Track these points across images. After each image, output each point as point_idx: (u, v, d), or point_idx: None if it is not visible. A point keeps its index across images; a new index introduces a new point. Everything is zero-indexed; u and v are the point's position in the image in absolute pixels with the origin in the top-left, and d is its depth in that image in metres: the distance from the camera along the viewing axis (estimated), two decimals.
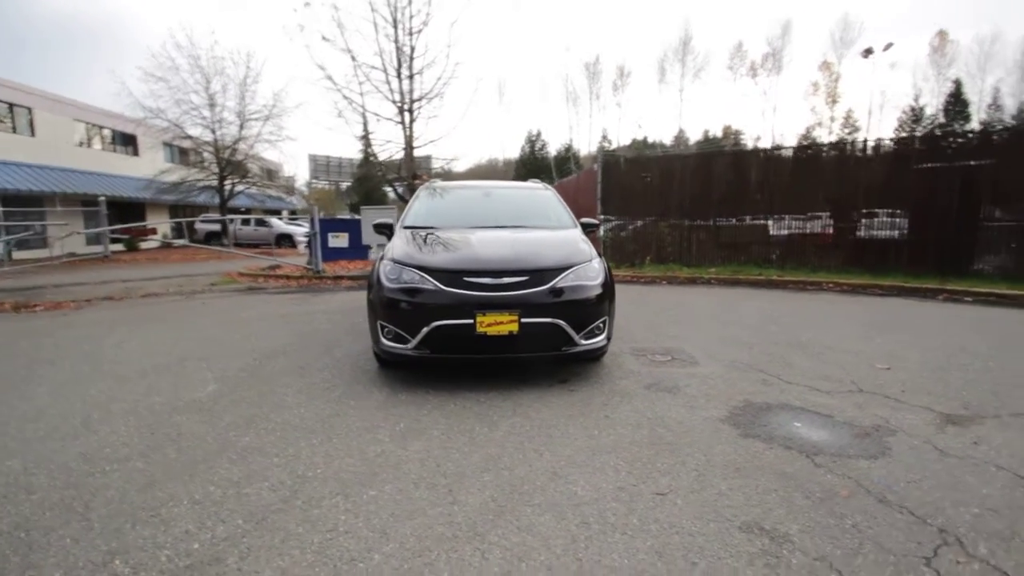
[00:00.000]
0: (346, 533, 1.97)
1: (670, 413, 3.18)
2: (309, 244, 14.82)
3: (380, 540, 1.92)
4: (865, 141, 10.93)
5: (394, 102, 13.41)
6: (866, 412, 3.18)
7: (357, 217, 18.85)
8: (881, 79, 60.27)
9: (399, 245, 4.02)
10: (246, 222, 21.61)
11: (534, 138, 46.81)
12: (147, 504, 2.19)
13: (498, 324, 3.45)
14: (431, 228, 4.39)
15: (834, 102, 43.85)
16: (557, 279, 3.62)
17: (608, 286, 3.85)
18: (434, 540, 1.92)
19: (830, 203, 11.37)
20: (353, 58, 13.18)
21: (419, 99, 13.67)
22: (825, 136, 42.36)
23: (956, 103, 39.23)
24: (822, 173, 11.35)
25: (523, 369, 3.99)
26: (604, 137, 50.24)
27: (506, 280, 3.54)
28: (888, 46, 26.10)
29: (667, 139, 52.04)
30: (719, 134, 52.74)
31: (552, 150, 46.35)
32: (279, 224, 22.78)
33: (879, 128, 41.38)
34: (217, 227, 20.25)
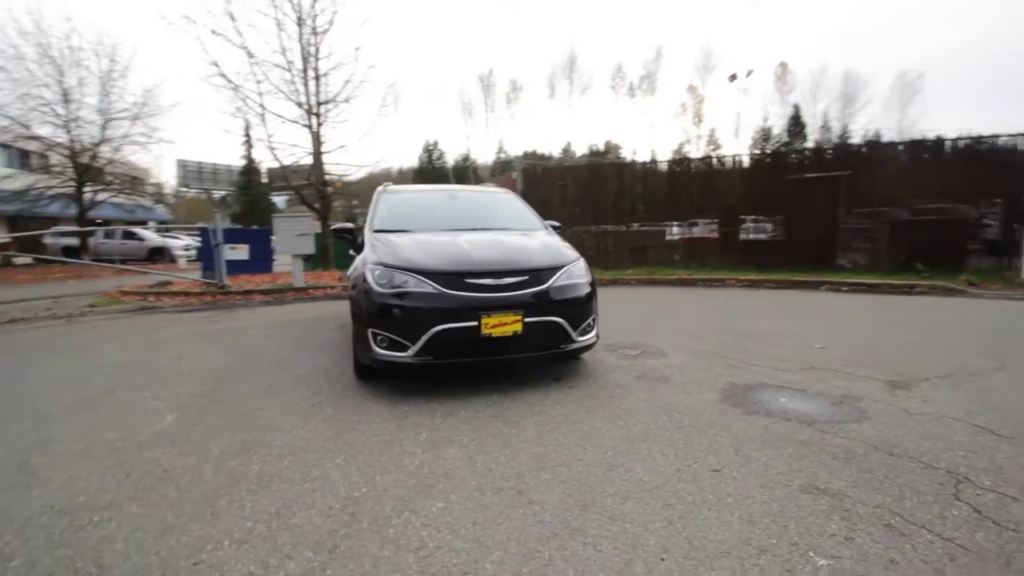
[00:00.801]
0: (440, 548, 1.84)
1: (673, 400, 3.37)
2: (200, 257, 13.34)
3: (481, 550, 1.82)
4: (752, 154, 12.39)
5: (299, 104, 12.61)
6: (829, 384, 3.63)
7: (259, 227, 17.29)
8: (738, 102, 68.77)
9: (382, 249, 3.81)
10: (110, 235, 18.76)
11: (431, 147, 46.44)
12: (178, 552, 1.86)
13: (503, 325, 3.41)
14: (405, 231, 4.21)
15: (700, 121, 49.04)
16: (553, 279, 3.67)
17: (593, 285, 3.98)
18: (536, 541, 1.87)
19: (718, 210, 12.80)
20: (250, 55, 12.20)
21: (326, 102, 12.99)
22: (694, 152, 47.07)
23: (796, 125, 45.92)
24: (713, 183, 12.70)
25: (508, 371, 3.96)
26: (500, 148, 51.40)
27: (507, 280, 3.52)
28: (750, 73, 30.20)
29: (557, 151, 54.45)
30: (602, 148, 56.35)
31: (450, 159, 46.37)
32: (152, 236, 20.12)
33: (738, 145, 47.05)
34: (73, 241, 17.37)
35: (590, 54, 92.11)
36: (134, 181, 21.07)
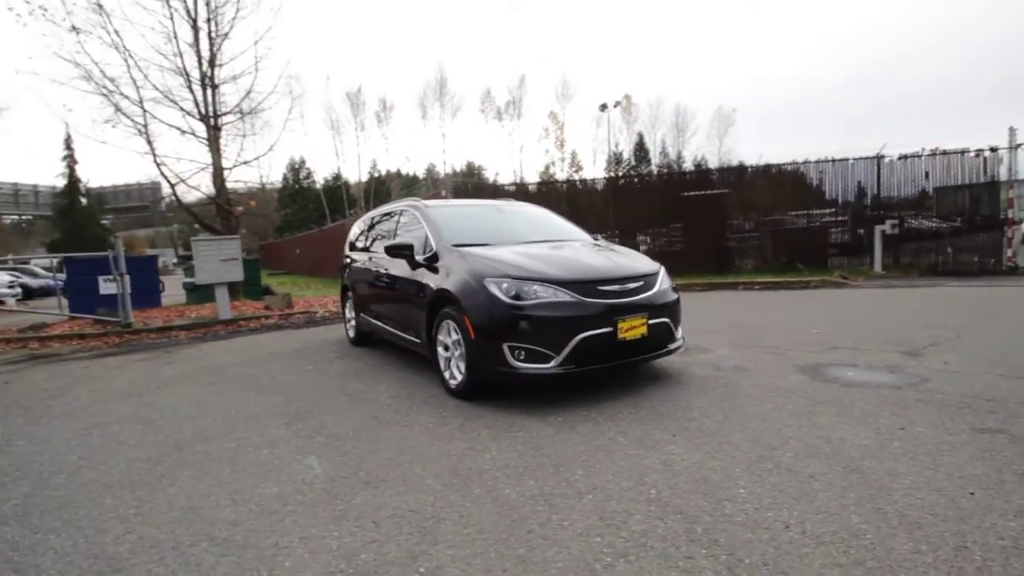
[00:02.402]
0: (804, 522, 1.98)
1: (777, 383, 3.82)
2: (68, 293, 10.96)
3: (836, 518, 2.00)
4: (660, 172, 13.98)
5: (199, 116, 11.15)
6: (865, 359, 4.39)
7: (148, 254, 14.88)
8: (592, 129, 75.74)
9: (491, 263, 3.70)
10: None
11: (298, 166, 43.26)
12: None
13: (633, 328, 3.58)
14: (487, 244, 4.13)
15: (561, 145, 52.91)
16: (658, 283, 3.93)
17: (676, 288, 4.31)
18: (863, 502, 2.10)
19: (619, 224, 14.22)
20: (129, 54, 10.54)
21: (227, 112, 11.68)
22: (559, 173, 50.56)
23: (641, 150, 51.91)
24: (619, 200, 14.07)
25: (596, 378, 4.05)
26: (374, 167, 49.76)
27: (631, 286, 3.70)
28: (617, 103, 33.55)
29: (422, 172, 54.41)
30: (467, 169, 57.74)
31: (319, 179, 43.64)
32: None
33: (596, 168, 51.76)
34: None
35: (460, 78, 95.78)
36: None
